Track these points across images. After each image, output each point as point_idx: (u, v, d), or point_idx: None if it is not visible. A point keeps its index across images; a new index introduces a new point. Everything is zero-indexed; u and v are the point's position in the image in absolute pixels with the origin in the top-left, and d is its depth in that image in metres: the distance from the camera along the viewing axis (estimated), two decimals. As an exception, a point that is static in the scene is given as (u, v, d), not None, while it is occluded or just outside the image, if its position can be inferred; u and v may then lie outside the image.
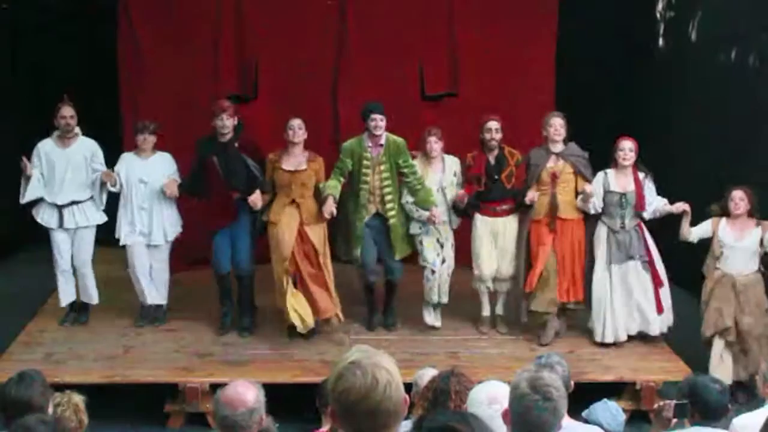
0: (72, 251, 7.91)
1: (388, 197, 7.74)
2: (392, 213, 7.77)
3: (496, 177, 7.79)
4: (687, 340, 7.76)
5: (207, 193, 7.84)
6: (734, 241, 7.39)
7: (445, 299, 8.04)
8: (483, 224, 7.91)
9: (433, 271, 7.88)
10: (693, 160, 9.29)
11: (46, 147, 7.85)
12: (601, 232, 7.74)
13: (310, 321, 7.66)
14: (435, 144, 7.79)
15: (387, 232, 7.82)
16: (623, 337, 7.81)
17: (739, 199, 7.36)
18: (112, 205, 7.98)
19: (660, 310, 7.77)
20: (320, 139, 9.12)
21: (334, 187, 7.58)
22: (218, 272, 7.93)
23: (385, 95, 9.23)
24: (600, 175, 7.71)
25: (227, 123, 7.65)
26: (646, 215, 7.70)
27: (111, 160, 7.98)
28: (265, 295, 7.96)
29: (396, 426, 2.58)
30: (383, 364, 2.57)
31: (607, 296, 7.73)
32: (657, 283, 7.78)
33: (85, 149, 7.88)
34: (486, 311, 8.14)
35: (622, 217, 7.64)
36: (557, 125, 7.69)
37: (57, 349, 7.73)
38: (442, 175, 7.86)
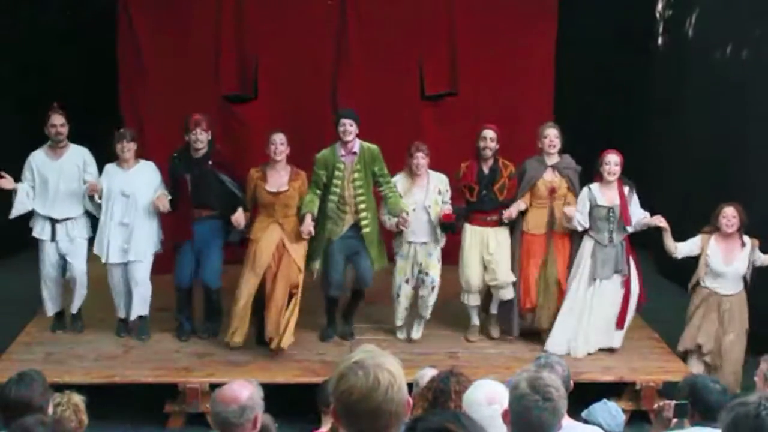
0: (66, 264, 7.78)
1: (362, 206, 7.53)
2: (366, 222, 7.56)
3: (485, 191, 7.62)
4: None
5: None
6: (723, 265, 7.34)
7: (427, 314, 7.88)
8: (472, 234, 7.75)
9: (398, 295, 7.77)
10: (692, 159, 9.30)
11: (37, 159, 7.65)
12: (587, 246, 7.60)
13: (240, 339, 7.55)
14: (422, 160, 7.54)
15: (364, 241, 7.62)
16: (590, 351, 7.69)
17: (732, 216, 7.28)
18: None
19: (621, 325, 7.68)
20: (320, 139, 9.11)
21: (310, 202, 7.42)
22: (180, 287, 7.83)
23: (384, 95, 9.27)
24: (585, 190, 7.56)
25: (201, 138, 7.48)
26: (630, 229, 7.57)
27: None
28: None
29: (397, 427, 2.57)
30: (386, 365, 2.56)
31: (584, 310, 7.60)
32: (640, 299, 7.70)
33: (77, 158, 7.68)
34: (475, 321, 8.04)
35: (610, 232, 7.50)
36: (552, 136, 7.59)
37: (57, 349, 7.73)
38: (426, 192, 7.61)
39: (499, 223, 7.71)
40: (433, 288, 7.73)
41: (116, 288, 7.86)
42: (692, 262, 7.65)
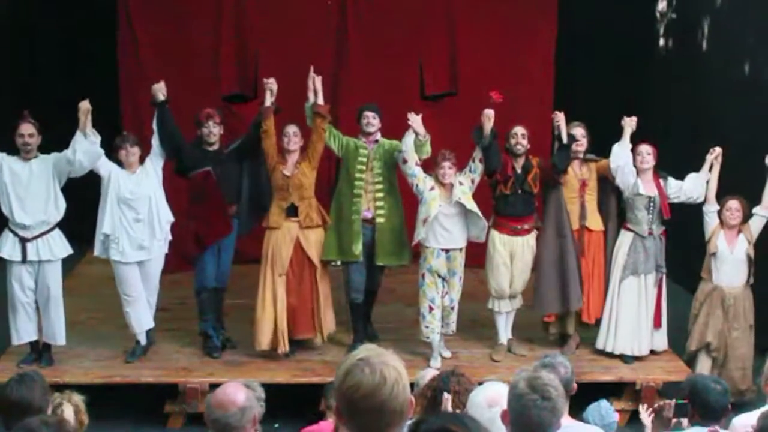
0: (35, 287, 7.29)
1: (379, 194, 7.52)
2: (381, 212, 7.52)
3: (520, 187, 7.42)
4: (687, 340, 7.75)
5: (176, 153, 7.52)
6: (727, 252, 7.37)
7: (451, 330, 7.68)
8: (502, 244, 7.56)
9: (431, 308, 7.47)
10: (692, 162, 9.29)
11: (9, 159, 7.23)
12: (626, 239, 7.54)
13: (266, 343, 7.46)
14: (449, 170, 7.32)
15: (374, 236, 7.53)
16: (646, 351, 7.64)
17: (735, 209, 7.34)
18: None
19: (658, 324, 7.67)
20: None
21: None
22: (204, 289, 7.59)
23: (384, 95, 9.25)
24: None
25: (215, 131, 7.43)
26: (692, 191, 7.44)
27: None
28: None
29: (400, 426, 2.58)
30: (391, 363, 2.57)
31: (631, 308, 7.54)
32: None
33: (46, 164, 7.21)
34: (503, 338, 7.79)
35: (649, 223, 7.46)
36: (579, 135, 7.51)
37: (57, 349, 7.70)
38: (452, 193, 7.37)
39: (530, 231, 7.59)
40: (453, 308, 7.58)
41: (135, 288, 7.42)
42: (692, 263, 7.66)
